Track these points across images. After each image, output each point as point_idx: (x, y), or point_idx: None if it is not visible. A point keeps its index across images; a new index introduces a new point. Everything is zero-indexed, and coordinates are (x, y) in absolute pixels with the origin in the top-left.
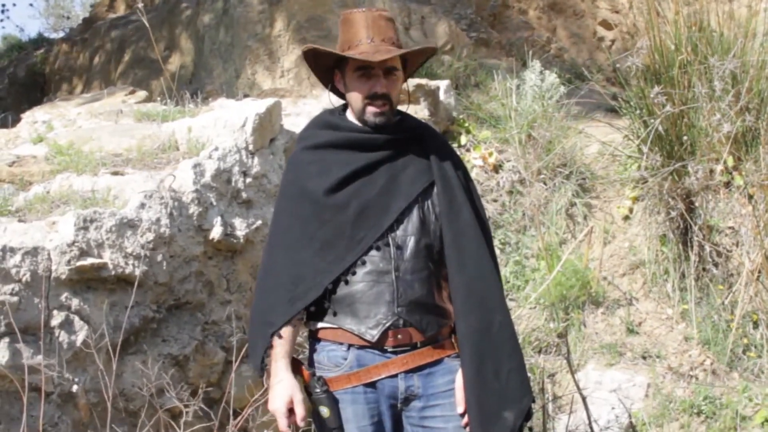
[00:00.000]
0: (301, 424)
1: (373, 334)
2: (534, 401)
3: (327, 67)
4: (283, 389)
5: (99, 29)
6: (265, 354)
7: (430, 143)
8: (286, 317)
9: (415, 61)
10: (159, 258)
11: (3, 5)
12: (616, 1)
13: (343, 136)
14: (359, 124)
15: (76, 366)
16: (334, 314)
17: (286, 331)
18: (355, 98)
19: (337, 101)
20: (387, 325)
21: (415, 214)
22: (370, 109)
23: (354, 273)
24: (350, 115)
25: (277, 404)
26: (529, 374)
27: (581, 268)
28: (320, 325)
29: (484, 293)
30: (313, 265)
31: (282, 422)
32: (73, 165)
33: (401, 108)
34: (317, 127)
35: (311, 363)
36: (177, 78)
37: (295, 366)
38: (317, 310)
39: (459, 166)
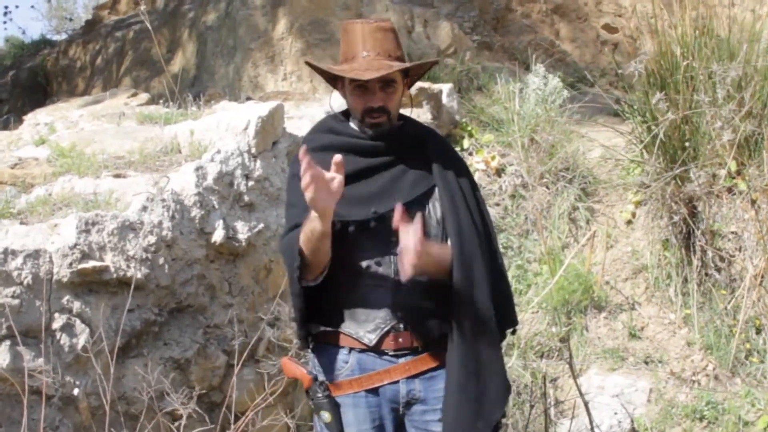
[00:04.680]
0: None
1: (371, 339)
2: (504, 417)
3: (329, 78)
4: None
5: (101, 31)
6: (299, 265)
7: (433, 149)
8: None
9: (416, 71)
10: (161, 261)
11: (5, 7)
12: (620, 5)
13: (344, 141)
14: (360, 132)
15: (78, 369)
16: (334, 318)
17: None
18: (353, 110)
19: (340, 105)
20: (385, 329)
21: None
22: (367, 121)
23: (351, 276)
24: (353, 121)
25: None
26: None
27: (584, 272)
28: (321, 328)
29: (478, 299)
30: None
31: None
32: (75, 167)
33: (405, 111)
34: (320, 131)
35: (312, 367)
36: (179, 80)
37: (296, 368)
38: (317, 313)
39: (462, 171)
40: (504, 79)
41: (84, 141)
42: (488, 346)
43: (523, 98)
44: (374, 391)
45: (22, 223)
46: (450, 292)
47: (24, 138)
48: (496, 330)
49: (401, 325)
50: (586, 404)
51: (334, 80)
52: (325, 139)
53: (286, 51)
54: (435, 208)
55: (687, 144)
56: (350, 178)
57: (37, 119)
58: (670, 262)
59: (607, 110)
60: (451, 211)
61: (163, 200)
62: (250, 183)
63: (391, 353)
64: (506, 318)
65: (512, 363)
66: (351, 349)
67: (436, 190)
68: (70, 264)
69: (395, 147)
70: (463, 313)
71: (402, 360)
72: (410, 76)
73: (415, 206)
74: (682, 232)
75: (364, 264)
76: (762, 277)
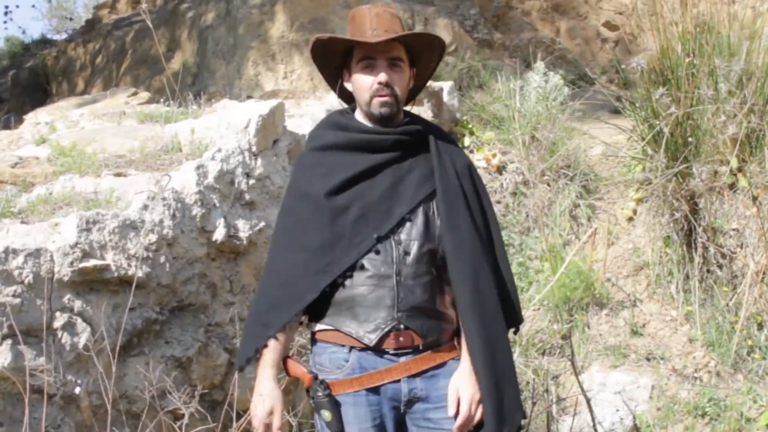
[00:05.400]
0: None
1: (372, 338)
2: (525, 417)
3: (335, 66)
4: (267, 400)
5: (101, 30)
6: (254, 355)
7: (438, 146)
8: (284, 320)
9: (424, 57)
10: (162, 259)
11: (6, 7)
12: (620, 2)
13: (350, 137)
14: (367, 125)
15: (79, 368)
16: (334, 317)
17: (281, 336)
18: (362, 91)
19: (343, 103)
20: (386, 329)
21: (419, 218)
22: (376, 100)
23: (351, 276)
24: (359, 116)
25: (258, 413)
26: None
27: (585, 269)
28: (321, 327)
29: (484, 305)
30: (310, 267)
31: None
32: (75, 166)
33: (406, 108)
34: (326, 127)
35: (313, 365)
36: (180, 78)
37: (297, 367)
38: (318, 311)
39: (466, 169)
40: (505, 76)
41: (85, 140)
42: (504, 350)
43: (523, 96)
44: (375, 390)
45: (23, 222)
46: (456, 298)
47: (25, 137)
48: (506, 334)
49: (401, 326)
50: (588, 401)
51: (336, 75)
52: (329, 137)
53: (287, 49)
54: (439, 209)
55: (689, 140)
56: (355, 180)
57: (37, 118)
58: (671, 258)
59: (608, 107)
60: (449, 215)
61: (164, 199)
62: (251, 181)
63: (391, 352)
64: (514, 316)
65: (514, 360)
66: (351, 348)
67: (437, 191)
68: (71, 263)
69: (401, 142)
70: (475, 325)
71: (403, 359)
72: (417, 64)
73: (420, 206)
74: (683, 228)
75: (364, 263)
76: (763, 273)
